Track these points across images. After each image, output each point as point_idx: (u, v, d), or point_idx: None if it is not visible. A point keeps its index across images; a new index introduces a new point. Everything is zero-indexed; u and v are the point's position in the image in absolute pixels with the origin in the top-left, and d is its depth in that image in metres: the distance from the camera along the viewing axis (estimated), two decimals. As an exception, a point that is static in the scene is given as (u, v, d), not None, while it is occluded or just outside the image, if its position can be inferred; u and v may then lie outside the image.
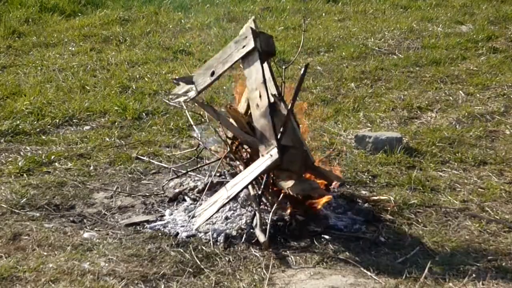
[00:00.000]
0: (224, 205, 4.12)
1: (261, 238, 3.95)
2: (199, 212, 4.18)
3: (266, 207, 4.26)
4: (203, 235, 4.12)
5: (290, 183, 4.07)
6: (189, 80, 4.53)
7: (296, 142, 4.14)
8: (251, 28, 4.23)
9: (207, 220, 4.14)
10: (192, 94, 4.49)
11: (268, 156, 4.01)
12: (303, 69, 4.06)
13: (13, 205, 4.52)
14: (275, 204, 4.13)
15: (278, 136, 4.06)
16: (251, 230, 4.11)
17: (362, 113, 6.18)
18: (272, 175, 4.23)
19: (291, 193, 4.06)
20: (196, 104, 4.68)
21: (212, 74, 4.39)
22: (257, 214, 4.09)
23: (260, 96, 4.14)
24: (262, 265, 3.84)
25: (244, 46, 4.25)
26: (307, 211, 4.24)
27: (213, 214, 4.12)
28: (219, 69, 4.37)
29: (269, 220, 4.05)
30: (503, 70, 7.27)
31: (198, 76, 4.50)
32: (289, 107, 4.14)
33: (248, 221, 4.19)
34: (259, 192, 4.21)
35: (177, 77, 4.88)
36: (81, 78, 7.11)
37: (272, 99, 4.15)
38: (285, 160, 4.04)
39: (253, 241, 4.04)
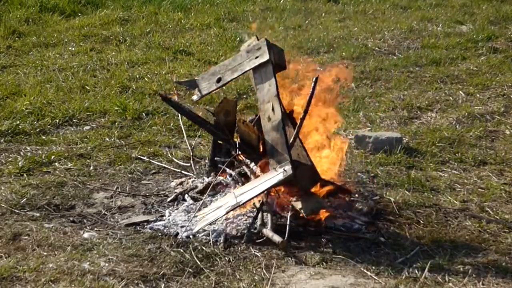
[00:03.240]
0: (228, 212, 4.13)
1: (276, 238, 3.95)
2: (201, 215, 4.18)
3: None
4: (203, 236, 4.12)
5: (300, 203, 4.10)
6: (192, 84, 4.52)
7: (304, 158, 4.17)
8: (266, 40, 4.21)
9: (208, 224, 4.14)
10: (195, 97, 4.51)
11: (282, 170, 4.02)
12: (312, 83, 4.08)
13: (13, 205, 4.52)
14: (291, 207, 4.15)
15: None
16: (253, 230, 4.12)
17: (362, 113, 6.18)
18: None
19: (302, 214, 4.08)
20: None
21: (218, 80, 4.38)
22: (269, 216, 4.11)
23: (272, 109, 4.13)
24: (262, 265, 3.84)
25: (257, 57, 4.22)
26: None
27: (216, 219, 4.13)
28: (227, 77, 4.36)
29: (288, 221, 4.05)
30: (503, 70, 7.27)
31: (203, 80, 4.48)
32: (299, 122, 4.17)
33: (249, 221, 4.20)
34: (267, 197, 4.24)
35: (179, 80, 4.87)
36: (81, 78, 7.11)
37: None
38: (296, 176, 4.06)
39: (258, 240, 4.04)
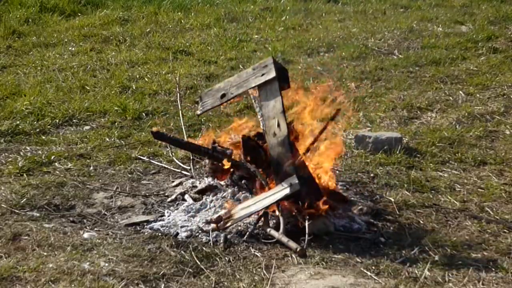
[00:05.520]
0: (227, 227, 4.15)
1: (293, 245, 3.93)
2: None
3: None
4: (203, 236, 4.13)
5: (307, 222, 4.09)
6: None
7: (307, 174, 4.19)
8: (272, 58, 4.35)
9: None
10: (198, 112, 4.65)
11: (288, 184, 4.05)
12: (333, 113, 4.20)
13: (13, 205, 4.52)
14: (307, 216, 4.13)
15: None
16: (255, 231, 4.13)
17: (362, 113, 6.18)
18: None
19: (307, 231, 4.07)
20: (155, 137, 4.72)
21: (222, 96, 4.51)
22: (282, 219, 4.10)
23: (278, 125, 4.20)
24: (262, 265, 3.84)
25: (263, 74, 4.33)
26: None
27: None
28: (232, 93, 4.47)
29: (306, 229, 4.00)
30: (503, 70, 7.27)
31: (207, 96, 4.60)
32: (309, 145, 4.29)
33: (249, 221, 4.20)
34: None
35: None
36: (81, 78, 7.11)
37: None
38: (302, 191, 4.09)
39: (264, 240, 4.05)
